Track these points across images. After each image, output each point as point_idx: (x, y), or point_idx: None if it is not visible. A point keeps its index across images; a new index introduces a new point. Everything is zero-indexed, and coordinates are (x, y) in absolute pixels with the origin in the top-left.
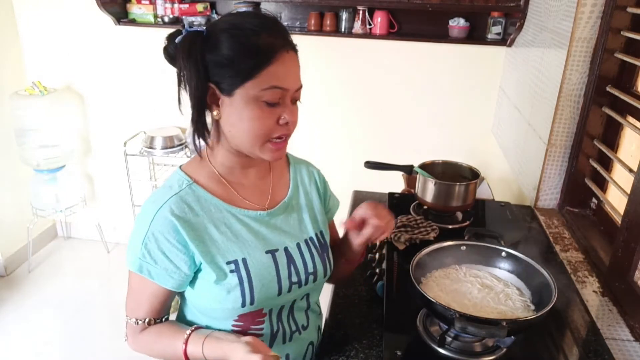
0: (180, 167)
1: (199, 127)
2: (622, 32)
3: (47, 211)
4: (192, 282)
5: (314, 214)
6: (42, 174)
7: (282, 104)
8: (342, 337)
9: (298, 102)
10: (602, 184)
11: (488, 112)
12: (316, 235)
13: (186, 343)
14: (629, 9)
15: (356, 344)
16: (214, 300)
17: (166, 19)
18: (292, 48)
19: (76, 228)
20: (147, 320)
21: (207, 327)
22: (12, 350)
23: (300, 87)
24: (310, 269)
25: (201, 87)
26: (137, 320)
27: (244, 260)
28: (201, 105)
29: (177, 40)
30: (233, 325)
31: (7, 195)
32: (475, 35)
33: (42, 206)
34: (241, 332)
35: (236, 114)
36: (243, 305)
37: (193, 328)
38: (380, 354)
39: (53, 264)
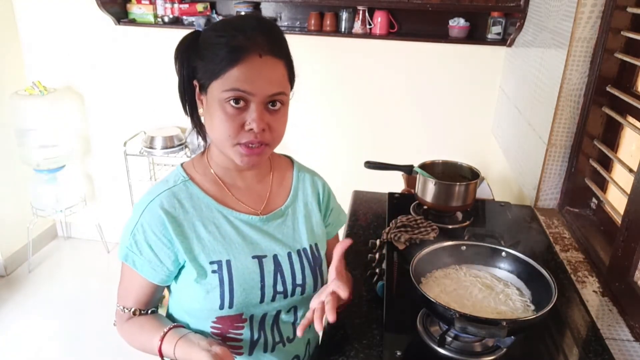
0: (181, 164)
1: (193, 124)
2: (622, 32)
3: (47, 211)
4: (176, 278)
5: (311, 225)
6: (42, 174)
7: (248, 109)
8: (342, 337)
9: (285, 109)
10: (602, 184)
11: (488, 112)
12: (310, 247)
13: (162, 340)
14: (629, 9)
15: (356, 344)
16: (194, 299)
17: (166, 19)
18: (273, 54)
19: (76, 228)
20: (132, 310)
21: (187, 326)
22: (12, 350)
23: (277, 93)
24: (299, 281)
25: (187, 84)
26: (124, 308)
27: (228, 262)
28: (189, 102)
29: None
30: (212, 327)
31: (7, 195)
32: (475, 35)
33: (42, 206)
34: (220, 334)
35: (209, 113)
36: (221, 307)
37: (172, 326)
38: (380, 354)
39: (53, 264)
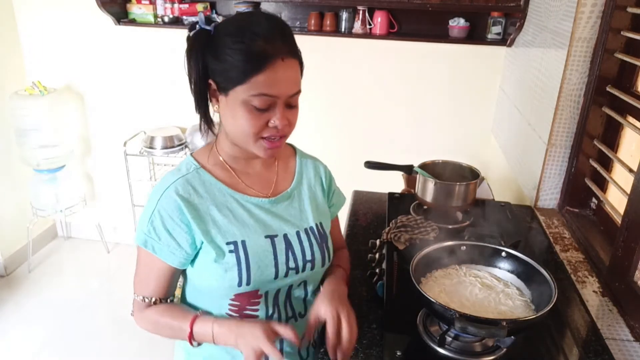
0: (191, 153)
1: (202, 118)
2: (622, 32)
3: (47, 211)
4: (193, 260)
5: (316, 205)
6: (42, 174)
7: (272, 109)
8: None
9: (298, 104)
10: (602, 184)
11: (488, 112)
12: (316, 225)
13: (193, 322)
14: (629, 9)
15: (356, 344)
16: (213, 278)
17: (166, 19)
18: (292, 55)
19: (76, 228)
20: (153, 299)
21: (204, 310)
22: (12, 350)
23: (297, 92)
24: (308, 257)
25: (201, 83)
26: (144, 297)
27: (243, 242)
28: (201, 99)
29: (190, 34)
30: (230, 305)
31: (7, 195)
32: (475, 35)
33: (42, 206)
34: (237, 311)
35: (230, 113)
36: (239, 284)
37: (202, 311)
38: (380, 354)
39: (53, 264)
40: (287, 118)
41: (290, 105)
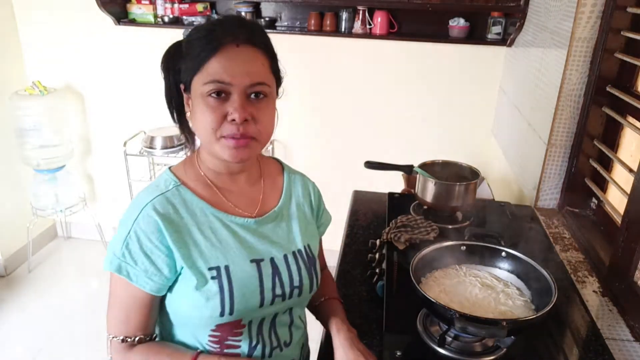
0: (169, 167)
1: (181, 130)
2: (622, 32)
3: (47, 211)
4: (171, 286)
5: (304, 225)
6: (42, 174)
7: (229, 100)
8: None
9: (269, 102)
10: (602, 184)
11: (488, 112)
12: (305, 247)
13: (194, 358)
14: (629, 9)
15: None
16: (193, 306)
17: (166, 19)
18: (251, 43)
19: (76, 228)
20: (137, 338)
21: (181, 342)
22: (12, 350)
23: (257, 83)
24: (296, 282)
25: (174, 88)
26: (125, 338)
27: (226, 267)
28: (176, 107)
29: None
30: (210, 336)
31: (7, 195)
32: (475, 35)
33: (42, 206)
34: (218, 342)
35: (193, 111)
36: (222, 314)
37: (200, 350)
38: (380, 354)
39: (53, 264)
40: (251, 114)
41: (253, 99)
